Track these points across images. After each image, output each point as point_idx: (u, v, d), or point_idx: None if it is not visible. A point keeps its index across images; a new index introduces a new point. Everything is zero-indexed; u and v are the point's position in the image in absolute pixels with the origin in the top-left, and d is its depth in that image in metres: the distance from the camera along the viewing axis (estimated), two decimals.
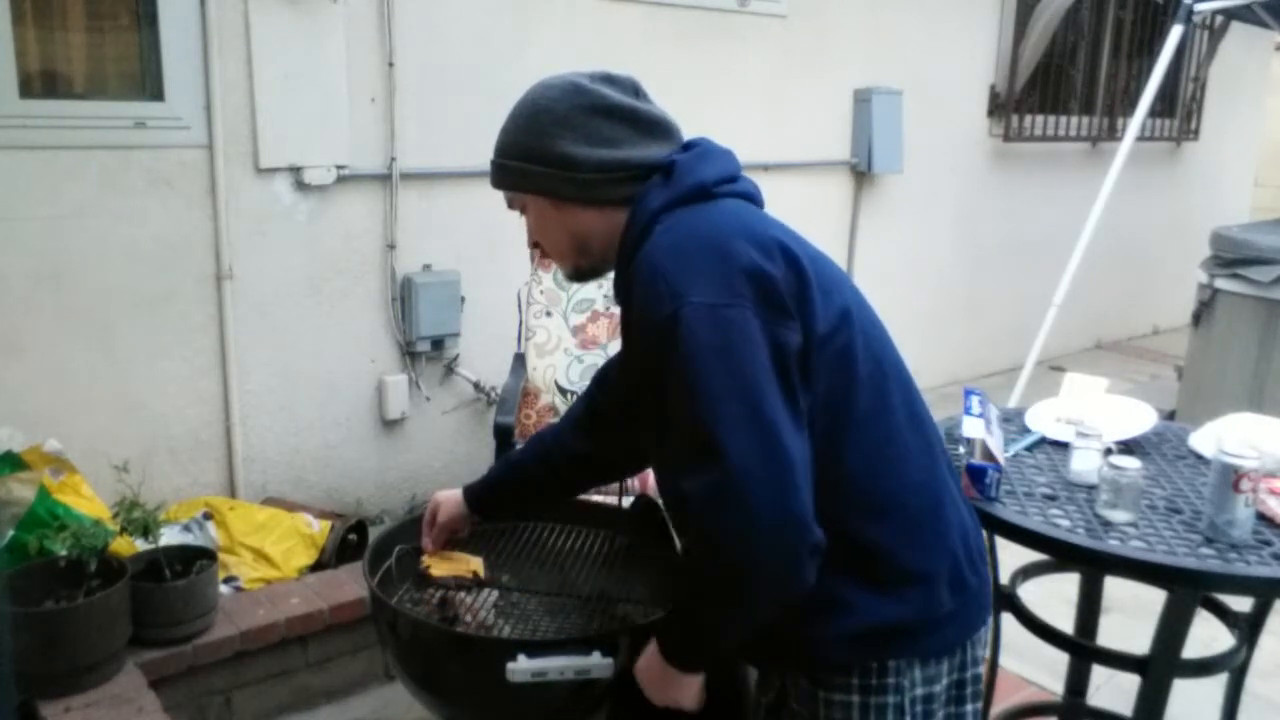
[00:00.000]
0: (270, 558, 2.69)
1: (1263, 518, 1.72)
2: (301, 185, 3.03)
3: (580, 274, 1.41)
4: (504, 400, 2.76)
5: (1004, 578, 2.08)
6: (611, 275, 1.38)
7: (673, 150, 1.33)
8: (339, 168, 3.08)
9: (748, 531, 1.11)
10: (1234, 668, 2.07)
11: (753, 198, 1.34)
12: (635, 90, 1.36)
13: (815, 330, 1.19)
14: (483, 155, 3.84)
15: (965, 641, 1.30)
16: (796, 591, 1.16)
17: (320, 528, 2.82)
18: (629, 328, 1.32)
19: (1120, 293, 6.20)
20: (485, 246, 3.44)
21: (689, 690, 1.30)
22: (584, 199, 1.31)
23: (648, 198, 1.28)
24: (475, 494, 1.70)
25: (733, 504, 1.11)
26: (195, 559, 2.42)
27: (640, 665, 1.33)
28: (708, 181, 1.28)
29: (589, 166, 1.28)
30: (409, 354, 3.35)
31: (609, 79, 1.34)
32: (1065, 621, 2.10)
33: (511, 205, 1.41)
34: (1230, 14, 4.81)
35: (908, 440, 1.28)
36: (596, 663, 1.41)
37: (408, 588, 1.69)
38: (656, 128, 1.33)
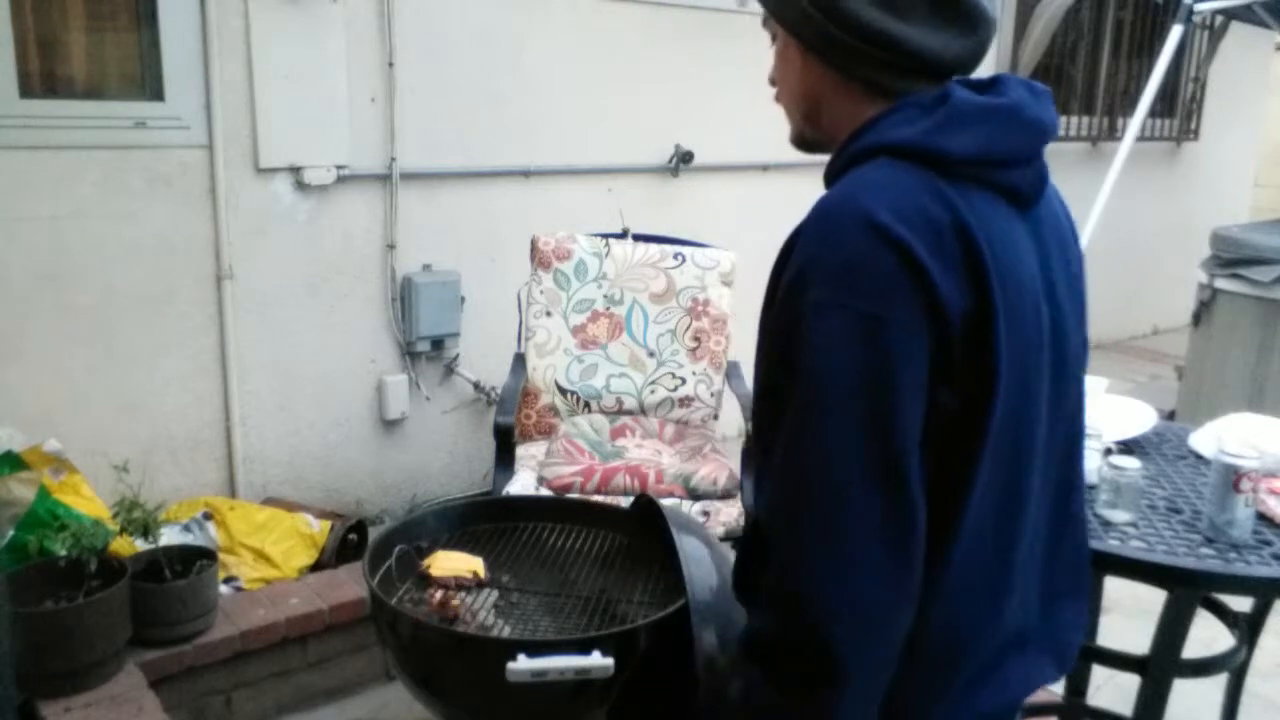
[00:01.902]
0: (270, 558, 2.69)
1: (1263, 518, 1.73)
2: (301, 185, 3.03)
3: (804, 143, 1.14)
4: (504, 400, 2.75)
5: None
6: None
7: (970, 53, 1.01)
8: (339, 168, 3.08)
9: (858, 610, 0.91)
10: (1234, 668, 2.08)
11: (1015, 193, 1.02)
12: None
13: (960, 396, 0.94)
14: (483, 155, 3.86)
15: None
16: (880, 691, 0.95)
17: (320, 528, 2.82)
18: (773, 280, 1.01)
19: (1120, 293, 6.19)
20: (485, 246, 3.44)
21: None
22: (827, 58, 1.03)
23: (890, 123, 0.99)
24: None
25: (846, 575, 0.90)
26: (195, 559, 2.42)
27: None
28: (952, 157, 0.96)
29: (847, 23, 0.99)
30: (409, 354, 3.35)
31: None
32: None
33: (765, 24, 1.13)
34: (1230, 14, 4.80)
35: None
36: (596, 663, 1.41)
37: (408, 588, 1.69)
38: (963, 14, 0.99)
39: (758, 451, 1.04)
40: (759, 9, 1.13)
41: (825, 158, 1.11)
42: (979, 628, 1.03)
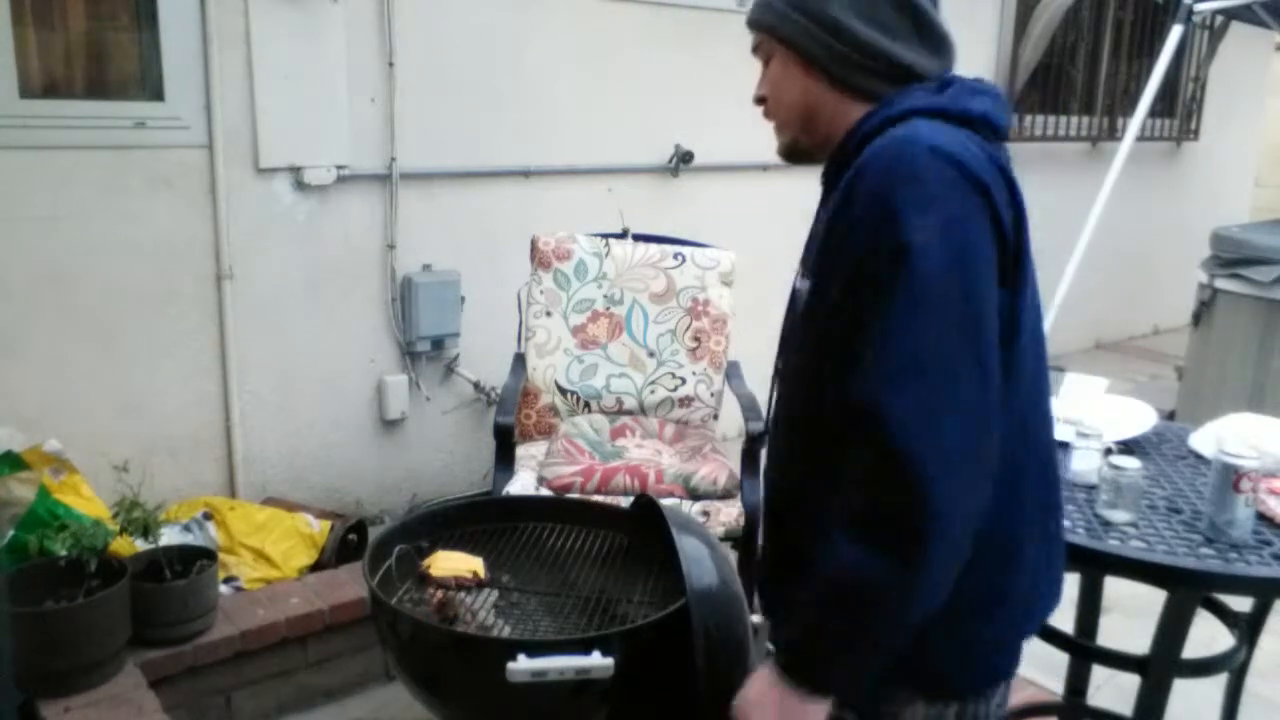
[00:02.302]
0: (270, 558, 2.69)
1: (1263, 518, 1.73)
2: (301, 185, 3.03)
3: (795, 151, 1.31)
4: (504, 400, 2.75)
5: None
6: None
7: (938, 67, 1.23)
8: (339, 168, 3.08)
9: (957, 467, 1.03)
10: (1234, 668, 2.08)
11: (1002, 168, 1.16)
12: None
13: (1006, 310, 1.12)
14: (483, 155, 3.86)
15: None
16: (952, 578, 1.07)
17: (320, 528, 2.82)
18: (835, 222, 1.15)
19: (1120, 293, 6.20)
20: (485, 246, 3.44)
21: None
22: (832, 72, 1.22)
23: (912, 96, 1.18)
24: None
25: (950, 432, 1.03)
26: (195, 559, 2.42)
27: (751, 696, 1.15)
28: (974, 114, 1.17)
29: (852, 41, 1.19)
30: (409, 354, 3.35)
31: None
32: (1065, 621, 2.10)
33: (756, 50, 1.30)
34: (1230, 14, 4.81)
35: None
36: (596, 663, 1.41)
37: (408, 588, 1.68)
38: (937, 40, 1.23)
39: (832, 361, 1.14)
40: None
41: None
42: (1028, 541, 1.20)
